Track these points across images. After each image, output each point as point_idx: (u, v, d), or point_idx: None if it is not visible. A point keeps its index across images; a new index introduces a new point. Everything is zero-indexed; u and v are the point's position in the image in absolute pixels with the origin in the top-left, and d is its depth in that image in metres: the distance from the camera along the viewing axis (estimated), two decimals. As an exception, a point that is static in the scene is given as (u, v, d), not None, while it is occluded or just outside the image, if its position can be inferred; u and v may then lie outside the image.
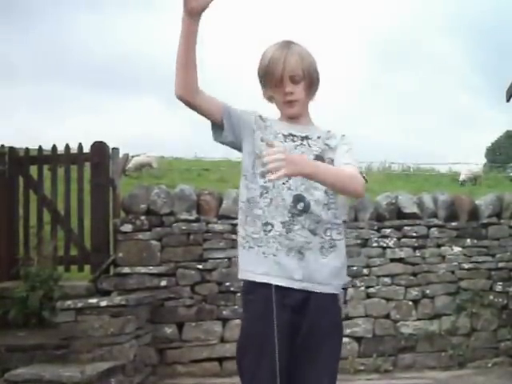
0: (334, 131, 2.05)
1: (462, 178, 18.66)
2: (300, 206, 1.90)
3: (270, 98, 2.06)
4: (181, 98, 1.88)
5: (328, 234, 1.94)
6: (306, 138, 1.99)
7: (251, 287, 1.97)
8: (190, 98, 1.88)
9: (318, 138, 2.00)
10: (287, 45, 1.98)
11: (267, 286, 1.88)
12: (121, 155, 5.55)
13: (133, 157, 16.29)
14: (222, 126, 1.97)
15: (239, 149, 2.04)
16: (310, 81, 2.00)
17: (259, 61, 2.01)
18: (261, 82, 2.04)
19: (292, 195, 1.91)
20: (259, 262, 1.92)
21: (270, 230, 1.91)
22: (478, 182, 18.75)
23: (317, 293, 1.93)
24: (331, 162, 1.98)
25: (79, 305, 4.23)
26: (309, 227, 1.90)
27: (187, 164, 18.74)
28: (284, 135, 1.98)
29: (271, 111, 2.11)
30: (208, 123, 1.97)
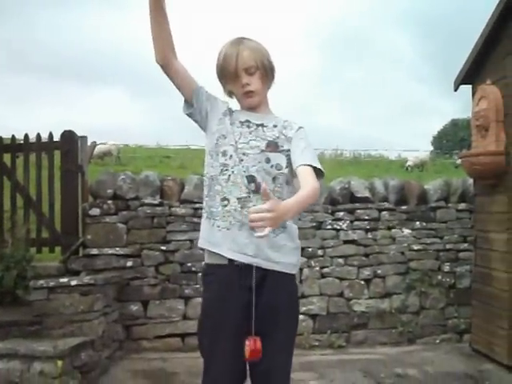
0: (291, 122, 2.13)
1: (408, 163, 18.86)
2: (252, 186, 1.99)
3: (230, 93, 2.18)
4: (158, 63, 2.03)
5: None
6: (262, 125, 2.09)
7: (211, 268, 2.05)
8: (166, 64, 2.02)
9: (275, 126, 2.09)
10: (239, 41, 2.11)
11: (226, 267, 1.97)
12: (88, 143, 5.74)
13: (104, 143, 17.05)
14: (191, 103, 2.10)
15: (203, 128, 2.15)
16: (264, 71, 2.11)
17: (216, 60, 2.13)
18: (219, 79, 2.15)
19: (245, 176, 2.00)
20: (213, 234, 2.01)
21: (225, 205, 1.99)
22: (424, 168, 18.91)
23: (272, 272, 1.97)
24: (288, 152, 2.04)
25: (51, 284, 4.36)
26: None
27: (150, 152, 18.97)
28: (241, 122, 2.09)
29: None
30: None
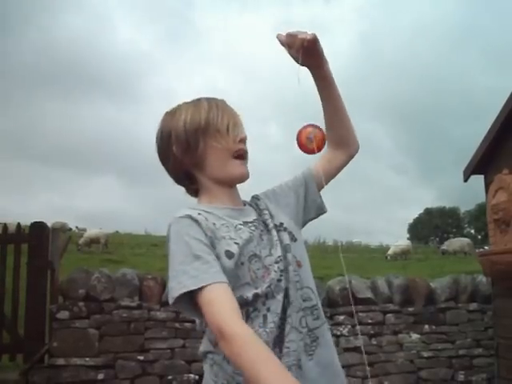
0: (257, 195, 1.56)
1: (390, 252, 18.95)
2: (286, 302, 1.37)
3: (193, 189, 1.50)
4: None
5: (303, 325, 1.38)
6: (261, 216, 1.47)
7: None
8: None
9: (265, 210, 1.49)
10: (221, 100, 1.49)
11: None
12: (74, 228, 5.30)
13: (84, 230, 17.70)
14: None
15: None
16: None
17: (183, 120, 1.42)
18: (186, 150, 1.42)
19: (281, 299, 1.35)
20: None
21: None
22: (407, 256, 19.04)
23: None
24: (282, 226, 1.46)
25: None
26: (293, 324, 1.35)
27: (138, 239, 20.71)
28: (245, 222, 1.42)
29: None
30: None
